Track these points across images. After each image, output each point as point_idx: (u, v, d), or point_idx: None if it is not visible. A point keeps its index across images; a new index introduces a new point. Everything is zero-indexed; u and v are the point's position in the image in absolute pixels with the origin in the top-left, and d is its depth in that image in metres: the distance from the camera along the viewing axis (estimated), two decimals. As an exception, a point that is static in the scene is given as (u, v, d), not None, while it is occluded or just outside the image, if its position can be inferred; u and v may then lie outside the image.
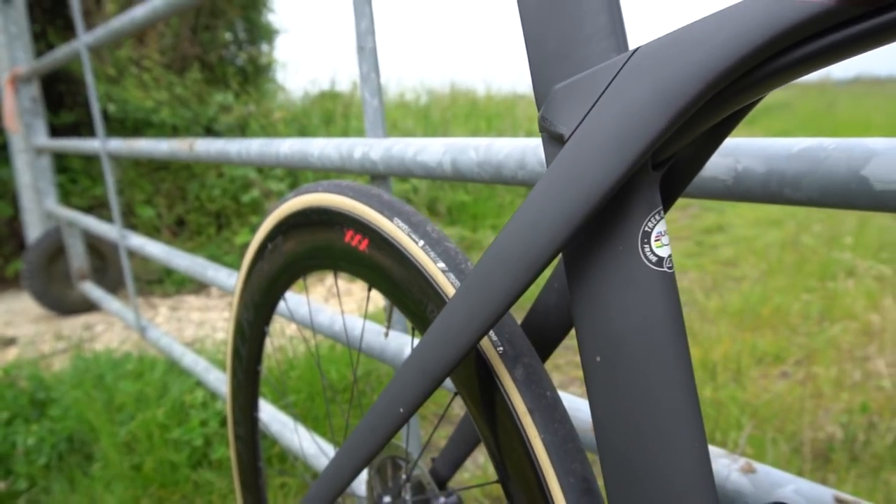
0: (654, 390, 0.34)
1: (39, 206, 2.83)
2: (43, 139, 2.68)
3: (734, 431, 1.38)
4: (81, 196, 3.30)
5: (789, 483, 0.54)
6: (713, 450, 0.59)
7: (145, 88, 3.22)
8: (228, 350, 0.81)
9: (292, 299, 1.15)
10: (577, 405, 0.69)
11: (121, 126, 3.29)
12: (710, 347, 1.85)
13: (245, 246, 3.41)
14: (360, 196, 0.57)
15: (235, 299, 0.77)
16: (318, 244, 0.62)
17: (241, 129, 3.54)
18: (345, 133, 4.11)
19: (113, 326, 2.65)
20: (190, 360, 1.75)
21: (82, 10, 1.85)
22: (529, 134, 5.12)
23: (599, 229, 0.35)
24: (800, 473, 1.29)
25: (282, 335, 2.02)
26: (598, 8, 0.36)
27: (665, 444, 0.34)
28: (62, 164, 3.26)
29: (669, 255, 0.35)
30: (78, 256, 2.74)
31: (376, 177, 0.90)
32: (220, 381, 1.58)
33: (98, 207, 3.35)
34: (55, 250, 2.75)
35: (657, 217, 0.35)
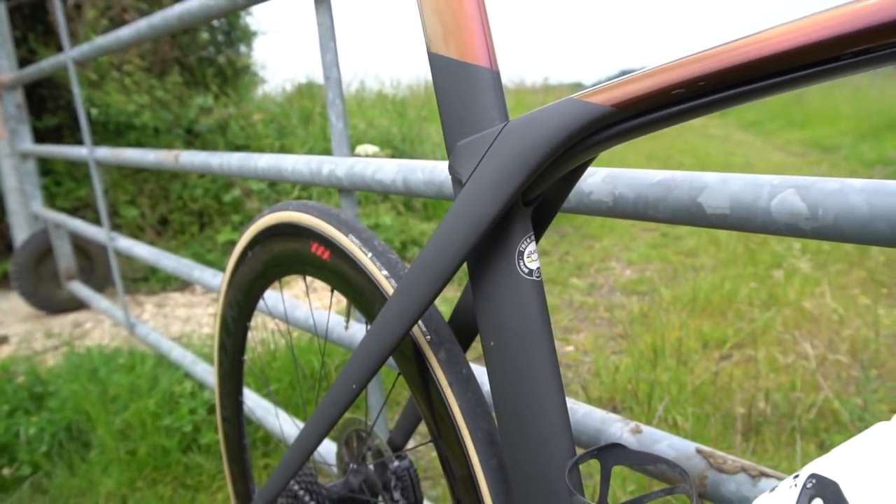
0: (526, 365, 0.47)
1: (25, 209, 2.90)
2: (28, 144, 2.76)
3: (674, 408, 1.54)
4: (66, 198, 3.38)
5: (665, 439, 0.68)
6: (611, 416, 0.73)
7: (127, 92, 3.30)
8: (215, 343, 0.94)
9: (272, 297, 1.28)
10: (485, 377, 0.83)
11: (103, 129, 3.37)
12: (661, 333, 2.00)
13: (227, 244, 3.48)
14: (323, 215, 0.70)
15: (221, 298, 0.90)
16: (289, 253, 0.75)
17: (222, 131, 3.63)
18: (323, 131, 4.20)
19: (102, 324, 2.74)
20: (178, 353, 1.86)
21: (63, 15, 1.94)
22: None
23: (488, 248, 0.49)
24: (730, 446, 1.44)
25: (264, 329, 2.14)
26: (487, 86, 0.50)
27: (535, 403, 0.47)
28: (46, 166, 3.32)
29: (538, 268, 0.48)
30: (65, 257, 2.82)
31: (343, 190, 1.03)
32: (206, 372, 1.69)
33: (82, 208, 3.43)
34: (43, 251, 2.83)
35: (528, 240, 0.48)
